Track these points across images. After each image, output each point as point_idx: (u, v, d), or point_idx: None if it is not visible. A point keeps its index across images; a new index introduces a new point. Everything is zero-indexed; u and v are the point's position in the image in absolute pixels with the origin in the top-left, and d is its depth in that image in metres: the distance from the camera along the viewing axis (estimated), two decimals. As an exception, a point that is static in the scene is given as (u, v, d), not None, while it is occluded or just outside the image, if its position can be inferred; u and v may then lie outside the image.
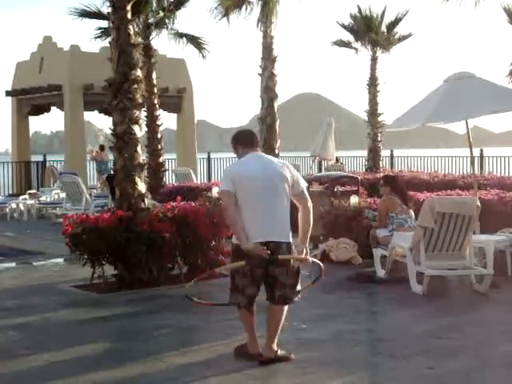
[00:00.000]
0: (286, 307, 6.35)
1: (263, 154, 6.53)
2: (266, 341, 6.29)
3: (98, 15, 17.58)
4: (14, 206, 19.84)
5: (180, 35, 21.50)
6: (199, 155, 28.74)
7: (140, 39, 17.35)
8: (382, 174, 20.38)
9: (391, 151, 27.52)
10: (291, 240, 6.32)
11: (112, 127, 10.19)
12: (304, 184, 6.39)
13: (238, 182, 6.14)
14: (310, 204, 6.39)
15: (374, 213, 11.33)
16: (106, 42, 19.31)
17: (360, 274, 10.20)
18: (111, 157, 23.72)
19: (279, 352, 6.31)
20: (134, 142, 10.11)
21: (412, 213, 10.35)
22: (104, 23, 18.58)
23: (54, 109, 26.44)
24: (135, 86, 10.15)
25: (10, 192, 25.08)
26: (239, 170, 6.31)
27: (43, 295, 9.38)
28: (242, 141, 6.47)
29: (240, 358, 6.35)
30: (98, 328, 7.75)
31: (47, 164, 25.89)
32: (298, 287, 6.33)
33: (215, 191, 14.80)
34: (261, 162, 6.29)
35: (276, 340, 6.31)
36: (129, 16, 10.28)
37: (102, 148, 26.12)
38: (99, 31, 19.76)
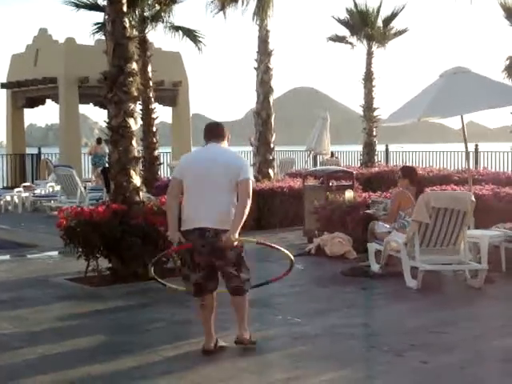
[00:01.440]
0: (243, 297, 6.43)
1: (218, 145, 6.50)
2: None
3: (94, 6, 17.53)
4: (8, 198, 19.81)
5: (176, 28, 21.47)
6: (194, 149, 28.70)
7: (135, 32, 17.31)
8: (376, 169, 20.46)
9: (386, 146, 27.53)
10: (225, 227, 6.20)
11: (107, 120, 10.18)
12: (245, 175, 6.25)
13: (184, 171, 6.42)
14: (245, 196, 6.19)
15: (381, 205, 11.04)
16: (101, 35, 19.29)
17: (354, 269, 10.20)
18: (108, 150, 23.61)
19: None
20: (129, 136, 10.10)
21: None
22: (100, 16, 18.54)
23: (49, 101, 26.44)
24: (130, 79, 10.13)
25: (5, 184, 25.09)
26: (185, 160, 6.64)
27: (37, 288, 9.37)
28: (204, 133, 6.62)
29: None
30: (92, 321, 7.75)
31: (42, 157, 25.87)
32: (244, 276, 6.36)
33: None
34: (206, 154, 6.46)
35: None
36: (124, 9, 10.25)
37: (99, 141, 26.00)
38: (96, 26, 19.72)
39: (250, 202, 6.20)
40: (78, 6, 17.66)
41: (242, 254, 6.34)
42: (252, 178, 6.34)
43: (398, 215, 10.02)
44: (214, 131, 6.56)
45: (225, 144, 6.54)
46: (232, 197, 6.29)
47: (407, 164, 24.12)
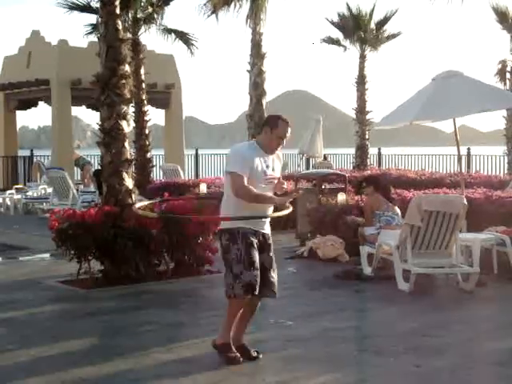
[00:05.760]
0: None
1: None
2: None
3: (87, 8, 17.53)
4: (0, 200, 19.76)
5: (169, 31, 21.51)
6: (187, 151, 28.72)
7: (128, 34, 17.34)
8: (369, 172, 20.49)
9: (379, 149, 27.59)
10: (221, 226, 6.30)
11: (100, 122, 10.16)
12: (226, 168, 6.20)
13: None
14: (233, 189, 6.03)
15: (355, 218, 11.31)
16: (94, 37, 19.30)
17: (347, 272, 10.21)
18: (80, 153, 23.77)
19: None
20: (122, 138, 10.08)
21: (398, 210, 10.40)
22: (93, 18, 18.56)
23: (41, 103, 26.36)
24: (123, 81, 10.12)
25: (-3, 187, 24.99)
26: None
27: (29, 290, 9.35)
28: None
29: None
30: (84, 323, 7.73)
31: (34, 159, 25.81)
32: (227, 280, 6.19)
33: (203, 187, 14.81)
34: None
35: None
36: (117, 11, 10.24)
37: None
38: (90, 27, 19.74)
39: (238, 194, 5.99)
40: (71, 7, 17.66)
41: (226, 256, 6.18)
42: (233, 170, 6.01)
43: (377, 216, 10.33)
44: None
45: (259, 137, 6.33)
46: (229, 192, 6.17)
47: (400, 167, 24.20)
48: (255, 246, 6.15)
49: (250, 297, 6.15)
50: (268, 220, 6.30)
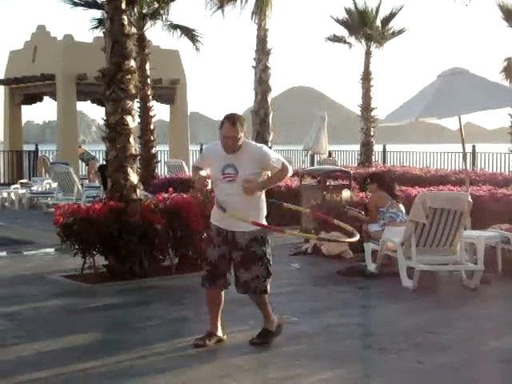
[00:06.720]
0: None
1: None
2: None
3: (91, 4, 17.52)
4: (5, 195, 19.81)
5: (174, 27, 21.49)
6: (192, 147, 28.72)
7: (134, 30, 17.33)
8: (374, 169, 20.48)
9: (384, 146, 27.57)
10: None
11: (105, 117, 10.17)
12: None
13: None
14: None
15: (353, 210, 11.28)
16: (100, 32, 19.30)
17: (351, 268, 10.21)
18: (86, 147, 23.78)
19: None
20: (127, 133, 10.08)
21: (402, 207, 10.38)
22: (99, 13, 18.55)
23: (46, 98, 26.39)
24: (128, 76, 10.12)
25: (2, 181, 25.06)
26: None
27: (33, 285, 9.36)
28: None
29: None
30: (88, 318, 7.74)
31: (39, 154, 25.84)
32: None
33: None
34: None
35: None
36: (123, 6, 10.24)
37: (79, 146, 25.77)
38: (96, 22, 19.72)
39: None
40: (75, 4, 17.64)
41: None
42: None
43: (381, 212, 10.29)
44: None
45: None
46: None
47: (405, 164, 24.19)
48: (214, 242, 6.45)
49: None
50: (238, 219, 6.27)
